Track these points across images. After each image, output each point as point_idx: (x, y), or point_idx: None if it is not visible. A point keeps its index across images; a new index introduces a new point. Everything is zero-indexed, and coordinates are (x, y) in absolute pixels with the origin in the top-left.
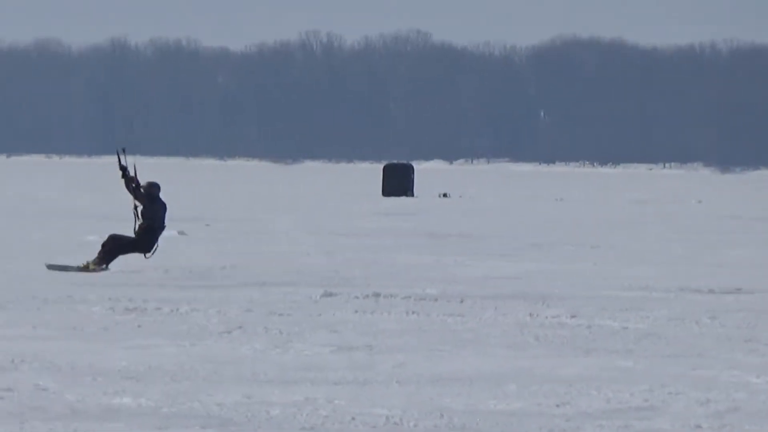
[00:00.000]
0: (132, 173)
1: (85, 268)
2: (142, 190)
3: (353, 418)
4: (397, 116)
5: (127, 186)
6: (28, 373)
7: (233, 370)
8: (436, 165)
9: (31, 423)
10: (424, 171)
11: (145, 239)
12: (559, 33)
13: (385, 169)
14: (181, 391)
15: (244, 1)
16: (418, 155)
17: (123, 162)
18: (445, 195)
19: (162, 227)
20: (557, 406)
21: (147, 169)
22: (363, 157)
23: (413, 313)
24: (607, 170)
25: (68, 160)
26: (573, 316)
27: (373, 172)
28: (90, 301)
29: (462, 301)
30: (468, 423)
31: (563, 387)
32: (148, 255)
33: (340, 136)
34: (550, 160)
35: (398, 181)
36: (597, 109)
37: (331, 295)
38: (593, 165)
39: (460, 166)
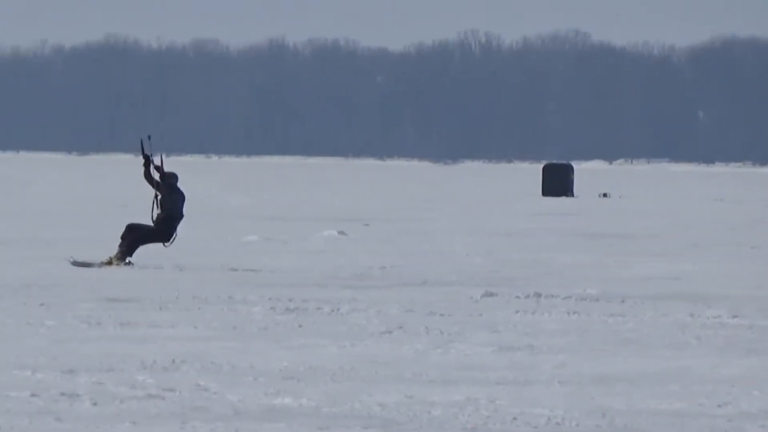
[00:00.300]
0: (158, 163)
1: (109, 264)
2: (165, 179)
3: (515, 418)
4: (555, 116)
5: (147, 176)
6: (190, 373)
7: (394, 371)
8: (596, 165)
9: (192, 423)
10: (584, 171)
11: (164, 228)
12: (717, 33)
13: (544, 169)
14: (342, 391)
15: (402, 1)
16: (575, 155)
17: (147, 151)
18: (605, 195)
19: (181, 216)
20: (719, 406)
21: (305, 169)
22: (521, 157)
23: (574, 313)
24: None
25: (227, 160)
26: (734, 316)
27: (531, 172)
28: (250, 301)
29: (623, 302)
30: (629, 423)
31: (725, 387)
32: (167, 244)
33: (498, 136)
34: (709, 160)
35: (558, 181)
36: (756, 109)
37: (491, 295)
38: (753, 165)
39: (619, 166)
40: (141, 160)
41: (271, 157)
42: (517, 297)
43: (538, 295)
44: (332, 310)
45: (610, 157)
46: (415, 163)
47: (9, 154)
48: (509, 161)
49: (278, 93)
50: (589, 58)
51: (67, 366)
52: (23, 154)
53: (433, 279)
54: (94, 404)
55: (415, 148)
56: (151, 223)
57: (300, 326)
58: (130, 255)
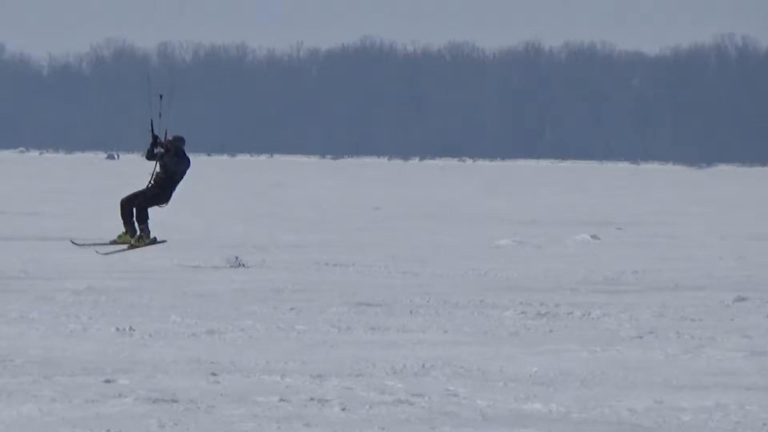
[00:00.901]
0: (162, 140)
1: (134, 245)
2: (167, 145)
3: (765, 424)
4: None
5: (150, 155)
6: (439, 378)
7: (644, 376)
8: None
9: (441, 429)
10: None
11: (165, 191)
12: None
13: None
14: (592, 396)
15: (658, 4)
16: None
17: (156, 130)
18: None
19: (181, 179)
20: None
21: (559, 172)
22: None
23: None
24: None
25: (480, 163)
26: None
27: None
28: (502, 305)
29: None
30: None
31: None
32: (163, 205)
33: (752, 139)
34: None
35: None
36: None
37: (743, 299)
38: None
39: None
40: (151, 141)
41: (525, 160)
42: None
43: None
44: (583, 315)
45: None
46: (668, 167)
47: (263, 158)
48: (764, 164)
49: (533, 96)
50: None
51: (317, 371)
52: (277, 158)
53: (685, 283)
54: (343, 409)
55: (669, 152)
56: (147, 186)
57: (551, 331)
58: (147, 232)
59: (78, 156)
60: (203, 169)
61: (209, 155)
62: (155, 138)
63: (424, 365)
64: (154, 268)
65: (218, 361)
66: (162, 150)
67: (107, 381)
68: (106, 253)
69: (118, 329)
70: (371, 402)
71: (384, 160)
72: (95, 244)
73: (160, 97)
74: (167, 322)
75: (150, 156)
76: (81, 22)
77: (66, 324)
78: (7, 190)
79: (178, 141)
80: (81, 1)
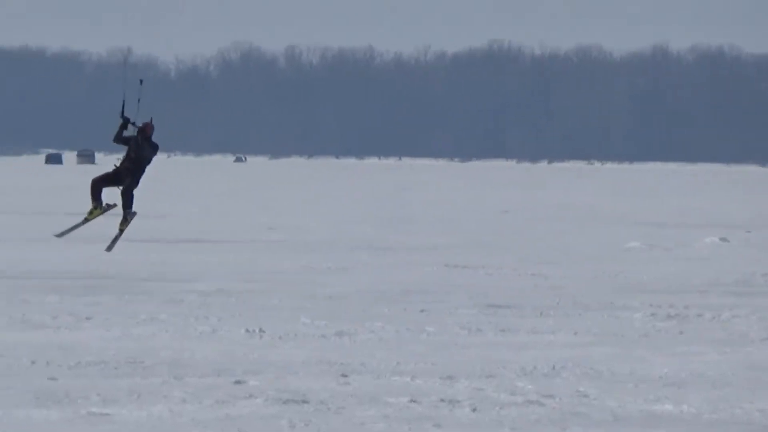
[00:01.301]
0: (140, 125)
1: (90, 218)
2: (145, 130)
3: None
4: None
5: (119, 137)
6: (569, 379)
7: None
8: None
9: (572, 429)
10: None
11: (136, 176)
12: None
13: None
14: (723, 397)
15: None
16: None
17: (127, 113)
18: None
19: (148, 164)
20: None
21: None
22: None
23: None
24: None
25: (609, 166)
26: None
27: None
28: (632, 307)
29: None
30: None
31: None
32: (135, 188)
33: None
34: None
35: None
36: None
37: None
38: None
39: None
40: (122, 122)
41: (654, 163)
42: None
43: None
44: (713, 317)
45: None
46: None
47: (390, 161)
48: None
49: (660, 99)
50: None
51: (447, 372)
52: (405, 161)
53: None
54: (474, 410)
55: None
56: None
57: (681, 333)
58: (99, 200)
59: (206, 159)
60: (331, 173)
61: (337, 158)
62: (126, 120)
63: (554, 366)
64: (284, 269)
65: (348, 362)
66: (135, 134)
67: (237, 382)
68: (61, 234)
69: (247, 331)
70: (502, 403)
71: (512, 163)
72: (74, 227)
73: (141, 81)
74: (297, 324)
75: (118, 138)
76: (208, 25)
77: (195, 326)
78: (136, 193)
79: (151, 130)
80: (208, 4)
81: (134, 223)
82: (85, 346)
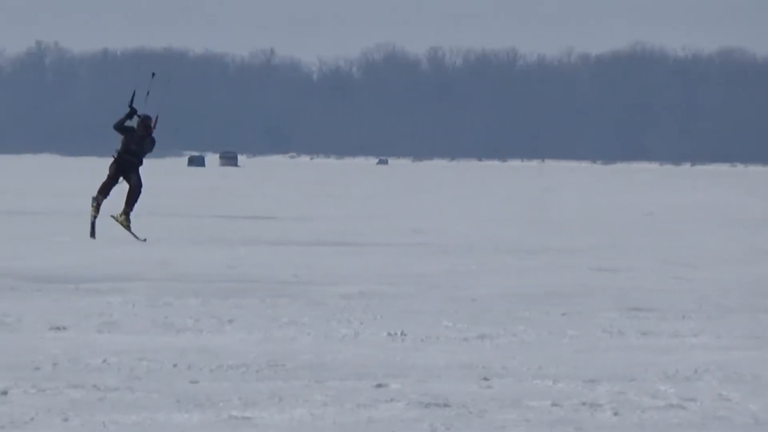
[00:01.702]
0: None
1: (120, 220)
2: (152, 128)
3: None
4: None
5: (120, 126)
6: (712, 383)
7: None
8: None
9: None
10: None
11: (137, 170)
12: None
13: None
14: None
15: None
16: None
17: (135, 104)
18: None
19: (144, 156)
20: None
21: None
22: None
23: None
24: None
25: (753, 168)
26: None
27: None
28: None
29: None
30: None
31: None
32: (122, 181)
33: None
34: None
35: None
36: None
37: None
38: None
39: None
40: (136, 114)
41: None
42: None
43: None
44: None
45: None
46: None
47: (534, 163)
48: None
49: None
50: None
51: (589, 375)
52: (548, 163)
53: None
54: (615, 414)
55: None
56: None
57: None
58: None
59: (348, 161)
60: (474, 175)
61: (480, 160)
62: (133, 110)
63: (696, 370)
64: (427, 272)
65: (490, 365)
66: (135, 126)
67: (379, 385)
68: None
69: (389, 334)
70: (643, 407)
71: (655, 165)
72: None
73: (153, 75)
74: (439, 327)
75: (120, 125)
76: (351, 27)
77: (337, 329)
78: (279, 196)
79: (148, 120)
80: (352, 5)
81: (276, 225)
82: (226, 349)
